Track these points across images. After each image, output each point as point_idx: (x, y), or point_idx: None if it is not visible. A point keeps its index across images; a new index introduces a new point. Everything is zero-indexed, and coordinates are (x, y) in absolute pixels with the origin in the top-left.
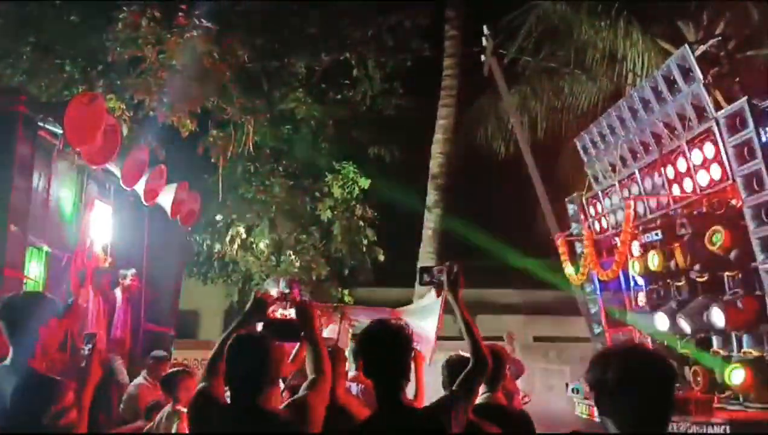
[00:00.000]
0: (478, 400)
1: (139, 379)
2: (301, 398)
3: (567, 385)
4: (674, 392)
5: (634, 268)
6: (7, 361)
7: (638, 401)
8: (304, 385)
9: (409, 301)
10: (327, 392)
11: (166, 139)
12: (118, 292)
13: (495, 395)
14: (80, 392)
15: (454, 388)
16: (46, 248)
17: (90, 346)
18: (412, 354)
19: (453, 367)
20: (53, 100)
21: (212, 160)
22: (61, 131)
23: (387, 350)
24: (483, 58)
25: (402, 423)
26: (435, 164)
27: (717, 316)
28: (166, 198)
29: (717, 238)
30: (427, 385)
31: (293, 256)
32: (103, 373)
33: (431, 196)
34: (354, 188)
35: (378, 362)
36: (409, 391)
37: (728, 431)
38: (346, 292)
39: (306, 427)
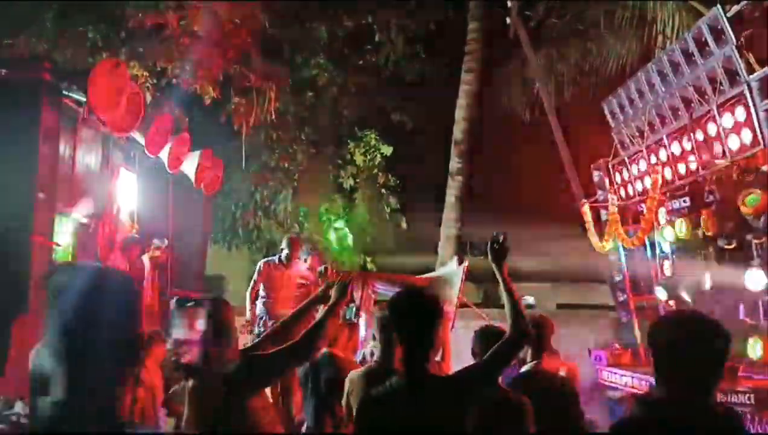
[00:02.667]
0: (525, 368)
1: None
2: None
3: (590, 351)
4: (725, 361)
5: (661, 236)
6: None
7: (689, 366)
8: None
9: (432, 269)
10: None
11: (189, 107)
12: (145, 259)
13: (540, 364)
14: None
15: (486, 357)
16: (74, 215)
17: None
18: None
19: (487, 337)
20: (77, 68)
21: (235, 128)
22: (85, 99)
23: (419, 319)
24: (508, 20)
25: (429, 391)
26: (458, 130)
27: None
28: (189, 165)
29: (752, 199)
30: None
31: (316, 224)
32: None
33: (454, 163)
34: (376, 155)
35: (409, 331)
36: None
37: (752, 400)
38: (368, 259)
39: None
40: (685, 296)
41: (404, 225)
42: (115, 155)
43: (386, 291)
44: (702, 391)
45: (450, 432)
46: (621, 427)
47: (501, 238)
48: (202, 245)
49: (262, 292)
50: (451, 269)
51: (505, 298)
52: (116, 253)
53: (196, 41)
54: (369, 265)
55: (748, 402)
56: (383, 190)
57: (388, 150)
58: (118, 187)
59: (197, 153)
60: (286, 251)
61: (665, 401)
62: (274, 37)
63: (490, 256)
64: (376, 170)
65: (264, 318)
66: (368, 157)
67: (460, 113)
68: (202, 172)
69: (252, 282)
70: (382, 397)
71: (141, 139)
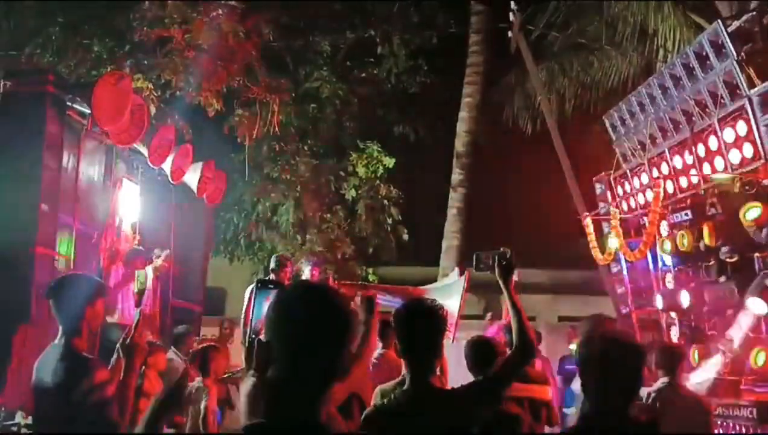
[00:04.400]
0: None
1: (169, 355)
2: None
3: None
4: (641, 373)
5: (663, 248)
6: (56, 341)
7: (606, 380)
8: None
9: (434, 280)
10: None
11: (192, 119)
12: (148, 270)
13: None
14: (127, 369)
15: (492, 373)
16: (76, 227)
17: (137, 322)
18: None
19: (477, 348)
20: (81, 81)
21: (238, 140)
22: (89, 111)
23: (423, 330)
24: (510, 34)
25: (432, 405)
26: (460, 143)
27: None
28: (192, 177)
29: (752, 212)
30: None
31: (318, 235)
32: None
33: (456, 175)
34: (378, 167)
35: (412, 342)
36: None
37: (754, 414)
38: (370, 270)
39: None
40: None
41: (406, 236)
42: (118, 167)
43: (388, 302)
44: (623, 401)
45: None
46: None
47: (508, 255)
48: (204, 256)
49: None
50: (452, 280)
51: (511, 314)
52: (119, 265)
53: (200, 54)
54: (371, 277)
55: (750, 416)
56: (385, 202)
57: (390, 162)
58: (121, 199)
59: (200, 164)
60: (276, 271)
61: (594, 413)
62: (278, 49)
63: (497, 272)
64: (378, 182)
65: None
66: (370, 168)
67: (461, 126)
68: (204, 183)
69: (244, 306)
70: (388, 409)
71: (144, 151)
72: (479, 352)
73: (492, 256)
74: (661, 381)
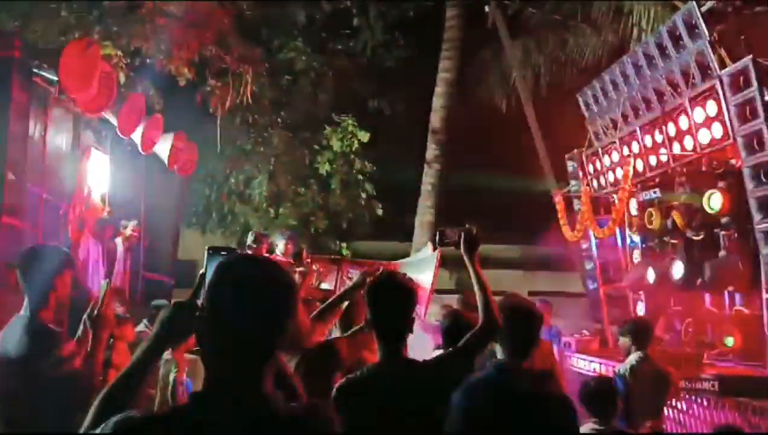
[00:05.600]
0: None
1: (140, 327)
2: None
3: (559, 338)
4: (537, 331)
5: (631, 226)
6: (22, 312)
7: (512, 335)
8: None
9: (407, 255)
10: None
11: (163, 88)
12: (118, 242)
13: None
14: (94, 341)
15: (461, 345)
16: (44, 196)
17: (104, 293)
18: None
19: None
20: (49, 47)
21: (210, 111)
22: (56, 78)
23: (393, 301)
24: (486, 9)
25: (406, 376)
26: (435, 118)
27: (710, 275)
28: (163, 147)
29: (714, 200)
30: (421, 337)
31: (291, 209)
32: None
33: (431, 151)
34: (353, 142)
35: (383, 313)
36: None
37: (716, 387)
38: (344, 245)
39: None
40: (652, 285)
41: (380, 211)
42: (86, 135)
43: None
44: (525, 354)
45: (437, 415)
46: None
47: (473, 232)
48: (175, 229)
49: None
50: (424, 255)
51: (476, 290)
52: (87, 235)
53: (171, 21)
54: (344, 251)
55: (711, 389)
56: (359, 176)
57: (365, 136)
58: (90, 168)
59: (170, 135)
60: (252, 247)
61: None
62: (252, 18)
63: (462, 248)
64: (352, 156)
65: None
66: (345, 142)
67: (437, 101)
68: (175, 154)
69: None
70: (360, 381)
71: (113, 120)
72: (453, 325)
73: (458, 233)
74: (636, 355)
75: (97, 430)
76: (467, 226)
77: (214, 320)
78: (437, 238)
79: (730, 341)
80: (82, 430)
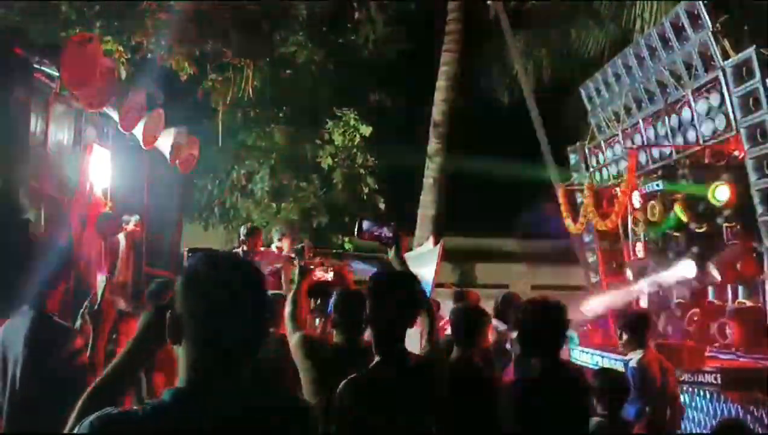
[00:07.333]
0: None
1: None
2: None
3: None
4: (564, 331)
5: (634, 219)
6: (25, 307)
7: (533, 333)
8: None
9: (409, 249)
10: None
11: (164, 83)
12: (121, 237)
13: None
14: (95, 335)
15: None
16: (46, 192)
17: (103, 288)
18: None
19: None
20: (49, 42)
21: (212, 105)
22: (57, 74)
23: (401, 300)
24: (488, 1)
25: (407, 375)
26: (437, 111)
27: (712, 267)
28: (164, 142)
29: (720, 192)
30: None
31: (293, 203)
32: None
33: (433, 144)
34: (355, 135)
35: (390, 311)
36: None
37: (719, 380)
38: (346, 239)
39: None
40: (655, 277)
41: (382, 205)
42: (88, 131)
43: (363, 270)
44: (553, 353)
45: (437, 415)
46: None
47: (392, 232)
48: (177, 224)
49: None
50: (427, 249)
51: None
52: (90, 231)
53: (172, 16)
54: (347, 245)
55: (714, 382)
56: (361, 171)
57: (367, 130)
58: (91, 164)
59: (172, 130)
60: (245, 242)
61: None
62: (253, 12)
63: (393, 251)
64: (354, 150)
65: None
66: (347, 136)
67: (439, 95)
68: (177, 149)
69: None
70: (367, 379)
71: (115, 115)
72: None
73: (380, 231)
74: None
75: (75, 429)
76: (392, 223)
77: (187, 321)
78: (356, 227)
79: (730, 330)
80: (67, 428)
